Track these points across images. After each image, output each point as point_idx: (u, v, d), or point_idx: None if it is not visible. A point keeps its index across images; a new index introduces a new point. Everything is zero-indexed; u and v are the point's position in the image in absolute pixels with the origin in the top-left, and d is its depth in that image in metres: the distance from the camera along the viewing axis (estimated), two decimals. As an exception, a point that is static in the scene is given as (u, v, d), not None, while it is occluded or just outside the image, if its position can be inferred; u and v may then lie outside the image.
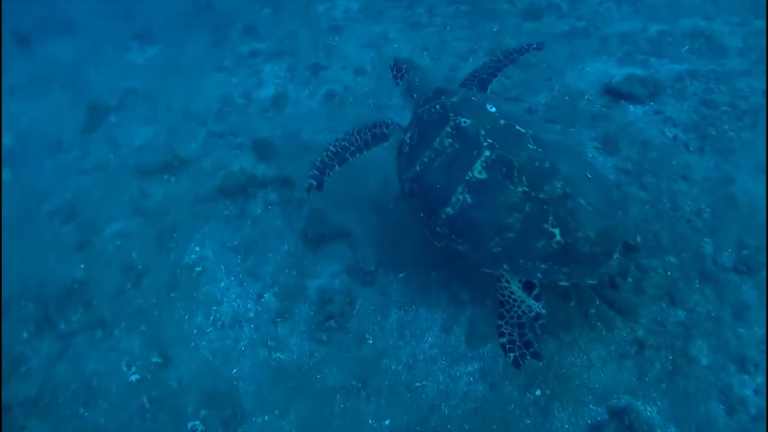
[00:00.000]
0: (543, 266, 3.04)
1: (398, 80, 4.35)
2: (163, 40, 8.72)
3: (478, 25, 7.42)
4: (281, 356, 3.85)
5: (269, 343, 3.93)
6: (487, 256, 3.13)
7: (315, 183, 3.94)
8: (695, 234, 4.16)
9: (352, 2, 8.68)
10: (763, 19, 6.56)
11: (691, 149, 4.90)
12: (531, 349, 3.10)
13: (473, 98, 3.53)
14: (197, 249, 4.66)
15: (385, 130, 4.01)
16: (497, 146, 3.16)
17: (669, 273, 3.93)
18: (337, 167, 4.00)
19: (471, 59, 6.64)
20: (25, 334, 4.25)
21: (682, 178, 4.62)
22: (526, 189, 3.04)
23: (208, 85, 7.13)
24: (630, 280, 3.76)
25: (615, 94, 5.67)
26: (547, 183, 3.03)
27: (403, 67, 4.30)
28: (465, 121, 3.32)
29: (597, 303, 3.78)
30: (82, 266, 4.69)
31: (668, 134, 5.08)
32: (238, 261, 4.50)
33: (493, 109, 3.37)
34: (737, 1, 7.00)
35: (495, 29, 7.26)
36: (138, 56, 8.41)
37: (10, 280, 4.61)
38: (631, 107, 5.50)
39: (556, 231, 2.98)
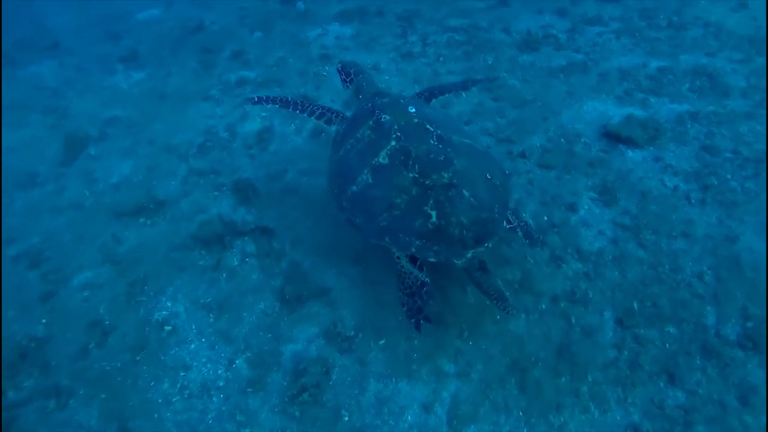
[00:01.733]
0: (417, 242, 3.41)
1: (347, 84, 4.86)
2: (150, 64, 8.50)
3: (472, 56, 7.21)
4: (250, 433, 3.57)
5: (238, 417, 3.64)
6: (375, 228, 3.55)
7: (255, 99, 4.90)
8: (696, 300, 3.91)
9: (345, 28, 8.49)
10: (764, 55, 6.36)
11: (693, 201, 4.66)
12: (422, 314, 3.54)
13: (401, 101, 4.01)
14: (168, 304, 4.38)
15: (332, 117, 4.60)
16: (403, 138, 3.63)
17: (668, 345, 3.68)
18: (277, 106, 4.77)
19: (464, 95, 6.40)
20: (-36, 407, 3.86)
21: (683, 235, 4.37)
22: (416, 175, 3.47)
23: (193, 115, 6.89)
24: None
25: (613, 137, 5.44)
26: (435, 173, 3.45)
27: (351, 71, 4.82)
28: (385, 117, 3.80)
29: (589, 380, 3.53)
30: (44, 321, 4.40)
31: (668, 184, 4.83)
32: (211, 320, 4.22)
33: (413, 110, 3.83)
34: (738, 37, 6.80)
35: (490, 61, 7.04)
36: (123, 81, 8.17)
37: (-36, 338, 4.31)
38: (630, 152, 5.27)
39: (433, 213, 3.37)
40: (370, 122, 3.85)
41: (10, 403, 3.77)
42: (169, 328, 4.22)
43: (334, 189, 3.92)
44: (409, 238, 3.42)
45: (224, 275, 4.54)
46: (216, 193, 5.44)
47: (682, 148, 5.23)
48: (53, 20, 11.90)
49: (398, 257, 3.67)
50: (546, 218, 4.72)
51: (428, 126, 3.71)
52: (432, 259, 3.45)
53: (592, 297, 4.06)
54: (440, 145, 3.60)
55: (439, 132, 3.69)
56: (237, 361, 3.94)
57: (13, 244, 5.27)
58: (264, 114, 6.61)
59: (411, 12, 8.51)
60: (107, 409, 3.76)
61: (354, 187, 3.67)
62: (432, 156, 3.52)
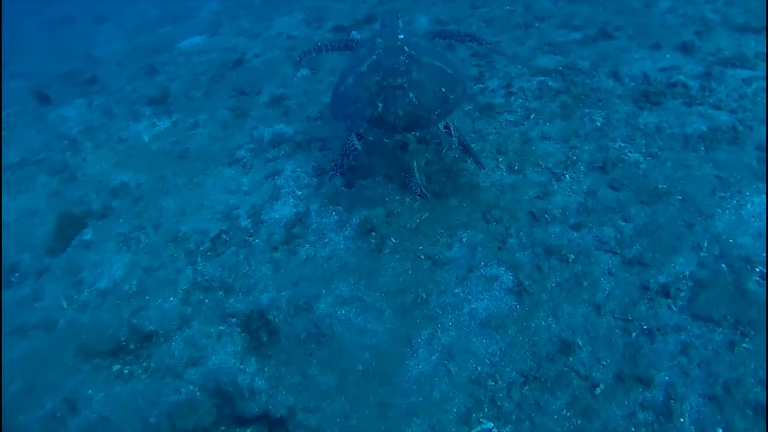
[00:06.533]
0: (365, 125, 4.06)
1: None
2: (179, 109, 6.79)
3: (573, 113, 5.06)
4: None
5: None
6: (344, 114, 4.22)
7: (299, 59, 5.54)
8: None
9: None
10: None
11: None
12: (342, 169, 4.18)
13: (397, 32, 4.52)
14: None
15: (353, 45, 5.12)
16: (382, 54, 4.23)
17: None
18: (314, 54, 5.26)
19: (567, 176, 4.31)
20: None
21: None
22: (379, 79, 4.07)
23: (212, 187, 5.13)
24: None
25: (810, 265, 3.26)
26: (392, 78, 4.03)
27: (384, 15, 5.20)
28: (379, 41, 4.41)
29: None
30: None
31: None
32: None
33: (401, 37, 4.39)
34: None
35: (598, 123, 4.87)
36: (146, 131, 6.48)
37: None
38: None
39: (380, 105, 3.98)
40: (369, 43, 4.48)
41: None
42: None
43: (333, 89, 4.50)
44: (361, 121, 4.04)
45: None
46: (221, 327, 3.65)
47: None
48: (101, 49, 10.51)
49: (350, 132, 4.17)
50: (721, 431, 2.64)
51: (406, 48, 4.21)
52: (370, 138, 4.04)
53: None
54: (407, 61, 4.10)
55: (412, 53, 4.17)
56: None
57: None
58: (299, 192, 4.77)
59: (490, 46, 6.40)
60: None
61: (342, 88, 4.31)
62: (396, 67, 4.06)
